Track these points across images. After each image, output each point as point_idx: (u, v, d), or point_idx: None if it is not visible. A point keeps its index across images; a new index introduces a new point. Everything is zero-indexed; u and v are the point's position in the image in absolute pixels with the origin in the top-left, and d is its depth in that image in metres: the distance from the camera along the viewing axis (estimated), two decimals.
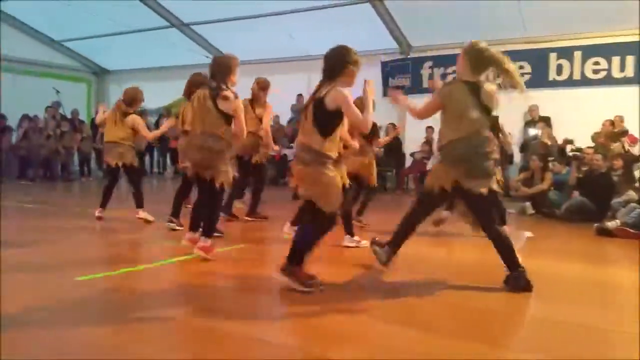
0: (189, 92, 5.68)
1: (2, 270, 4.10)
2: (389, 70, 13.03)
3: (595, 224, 7.00)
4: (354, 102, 3.74)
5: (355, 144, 5.37)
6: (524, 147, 11.16)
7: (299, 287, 3.76)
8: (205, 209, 4.91)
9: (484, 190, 4.01)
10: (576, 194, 8.26)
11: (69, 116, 15.09)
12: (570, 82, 11.03)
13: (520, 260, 4.03)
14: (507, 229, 4.57)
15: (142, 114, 14.51)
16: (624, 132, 9.77)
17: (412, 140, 12.46)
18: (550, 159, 9.52)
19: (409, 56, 12.90)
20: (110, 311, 3.42)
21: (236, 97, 4.65)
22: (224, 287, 4.21)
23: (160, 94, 12.35)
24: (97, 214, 6.94)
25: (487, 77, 4.38)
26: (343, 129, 4.35)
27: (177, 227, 6.19)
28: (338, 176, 3.90)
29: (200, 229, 4.92)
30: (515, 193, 9.27)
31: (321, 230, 3.86)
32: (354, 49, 3.85)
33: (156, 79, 14.24)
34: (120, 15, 13.07)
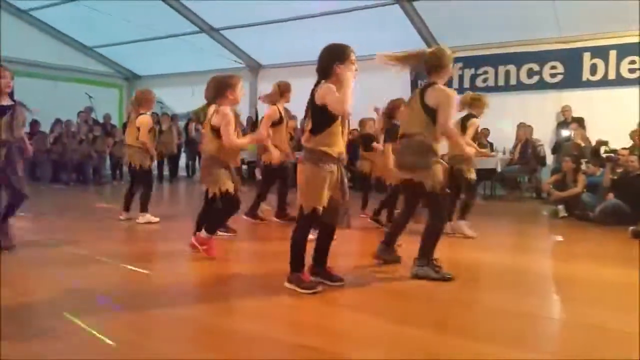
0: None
1: None
2: (418, 72, 12.93)
3: (631, 227, 6.83)
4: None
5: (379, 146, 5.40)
6: (556, 149, 10.99)
7: (298, 290, 3.80)
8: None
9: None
10: (611, 196, 8.07)
11: (101, 121, 15.37)
12: (604, 82, 10.78)
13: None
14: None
15: (173, 118, 14.78)
16: None
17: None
18: (583, 160, 9.34)
19: None
20: (126, 307, 3.46)
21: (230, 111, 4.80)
22: (241, 287, 4.20)
23: (189, 99, 12.44)
24: (120, 217, 7.05)
25: None
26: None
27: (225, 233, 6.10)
28: (328, 176, 3.78)
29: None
30: (548, 197, 9.13)
31: (301, 231, 3.88)
32: (349, 45, 3.81)
33: (186, 84, 14.36)
34: (151, 21, 13.26)
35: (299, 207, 3.87)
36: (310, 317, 3.42)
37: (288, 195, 7.27)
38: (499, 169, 11.13)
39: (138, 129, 6.87)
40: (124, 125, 14.81)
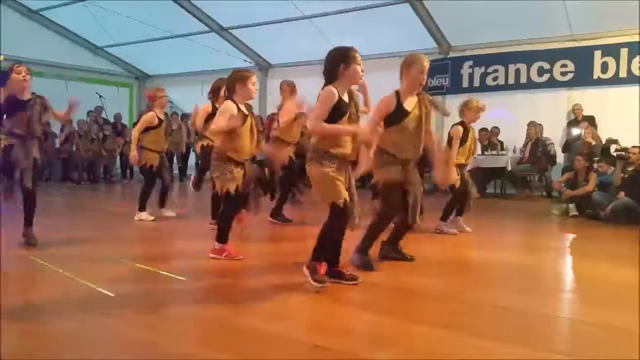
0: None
1: None
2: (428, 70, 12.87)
3: None
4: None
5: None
6: (566, 147, 10.94)
7: (309, 279, 3.81)
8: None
9: None
10: (622, 194, 8.03)
11: (111, 120, 15.46)
12: (615, 80, 10.69)
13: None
14: None
15: (183, 117, 14.83)
16: None
17: None
18: (595, 159, 9.30)
19: (448, 56, 12.75)
20: (144, 307, 3.48)
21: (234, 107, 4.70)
22: (256, 286, 4.15)
23: (199, 98, 12.43)
24: (135, 217, 7.05)
25: None
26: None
27: None
28: (333, 172, 3.78)
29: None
30: (560, 196, 9.09)
31: (330, 226, 3.87)
32: (352, 47, 3.84)
33: (195, 83, 14.39)
34: (161, 21, 13.33)
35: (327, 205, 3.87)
36: (323, 317, 3.42)
37: (288, 199, 7.30)
38: (509, 168, 11.11)
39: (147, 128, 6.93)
40: (134, 125, 14.90)
